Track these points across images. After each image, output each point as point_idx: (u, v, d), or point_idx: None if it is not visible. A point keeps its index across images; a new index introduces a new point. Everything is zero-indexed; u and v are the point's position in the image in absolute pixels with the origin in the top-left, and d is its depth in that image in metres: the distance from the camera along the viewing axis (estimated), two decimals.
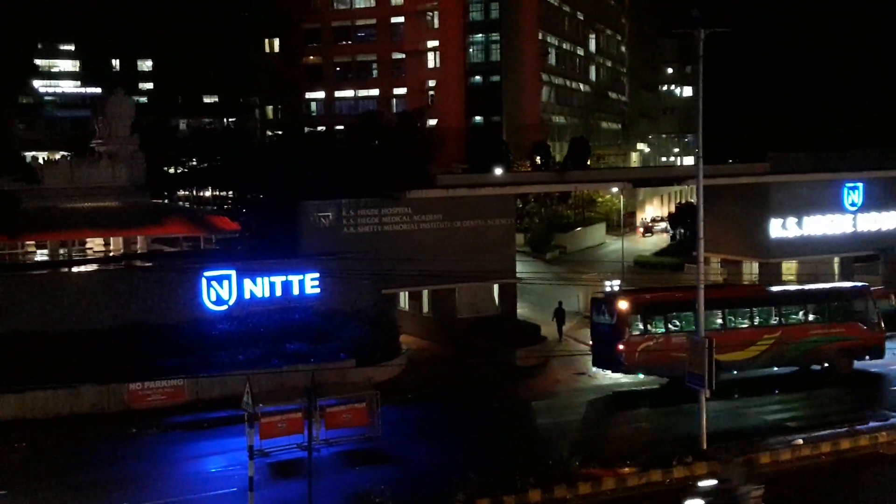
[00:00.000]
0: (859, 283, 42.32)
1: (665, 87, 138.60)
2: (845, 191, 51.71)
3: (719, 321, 37.01)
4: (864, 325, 38.63)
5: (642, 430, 32.50)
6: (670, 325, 35.93)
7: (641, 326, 36.19)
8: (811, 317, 38.42)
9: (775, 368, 38.22)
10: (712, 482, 23.03)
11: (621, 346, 35.77)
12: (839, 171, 52.83)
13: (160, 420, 33.16)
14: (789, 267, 51.70)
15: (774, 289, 42.54)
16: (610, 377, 38.63)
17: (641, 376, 37.32)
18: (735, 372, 36.78)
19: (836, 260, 52.55)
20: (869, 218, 52.20)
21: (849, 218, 51.84)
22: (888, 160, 53.13)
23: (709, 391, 28.21)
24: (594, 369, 39.35)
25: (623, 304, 36.38)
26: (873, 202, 52.12)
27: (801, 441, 29.24)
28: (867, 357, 38.56)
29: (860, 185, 51.83)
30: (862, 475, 27.44)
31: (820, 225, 51.29)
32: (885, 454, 28.86)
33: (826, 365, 38.37)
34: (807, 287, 43.18)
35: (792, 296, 40.04)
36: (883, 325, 39.08)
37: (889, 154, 54.01)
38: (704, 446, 28.14)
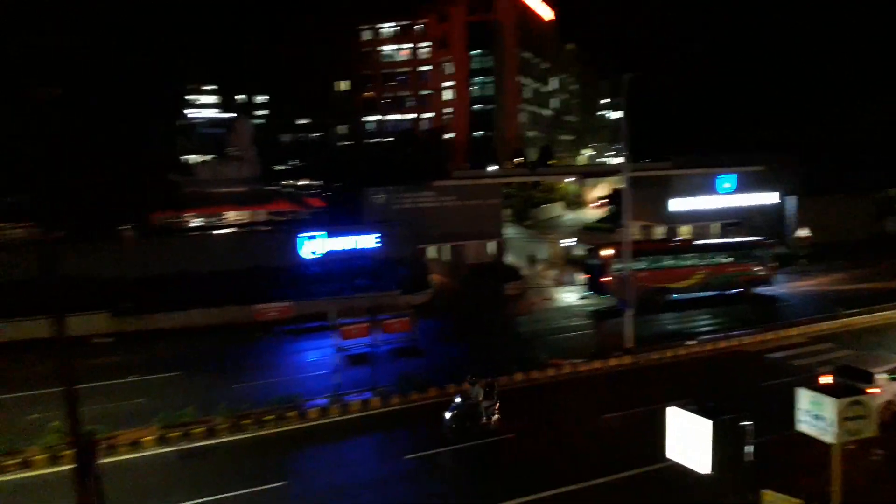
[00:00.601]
0: (759, 237, 41.43)
1: (602, 113, 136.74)
2: (720, 180, 51.20)
3: (669, 262, 36.89)
4: (761, 265, 38.30)
5: (591, 335, 32.50)
6: (637, 266, 35.29)
7: (618, 266, 36.03)
8: (727, 259, 37.99)
9: (705, 293, 38.04)
10: (459, 399, 20.81)
11: (605, 279, 35.83)
12: (719, 168, 52.26)
13: (276, 329, 33.55)
14: (684, 230, 51.36)
15: (706, 241, 41.51)
16: (568, 301, 38.57)
17: (597, 299, 37.07)
18: (676, 296, 36.91)
19: (714, 225, 52.16)
20: (736, 198, 51.59)
21: (723, 198, 51.32)
22: (753, 160, 52.47)
23: (632, 310, 28.24)
24: (558, 296, 39.39)
25: (606, 251, 36.11)
26: (740, 188, 51.44)
27: (693, 342, 29.35)
28: (763, 285, 38.37)
29: (731, 176, 51.26)
30: (725, 362, 27.48)
31: (704, 202, 50.75)
32: (745, 351, 28.96)
33: (737, 290, 38.08)
34: (724, 240, 42.51)
35: (715, 246, 39.35)
36: (773, 264, 38.71)
37: (755, 155, 53.17)
38: (630, 345, 28.22)
